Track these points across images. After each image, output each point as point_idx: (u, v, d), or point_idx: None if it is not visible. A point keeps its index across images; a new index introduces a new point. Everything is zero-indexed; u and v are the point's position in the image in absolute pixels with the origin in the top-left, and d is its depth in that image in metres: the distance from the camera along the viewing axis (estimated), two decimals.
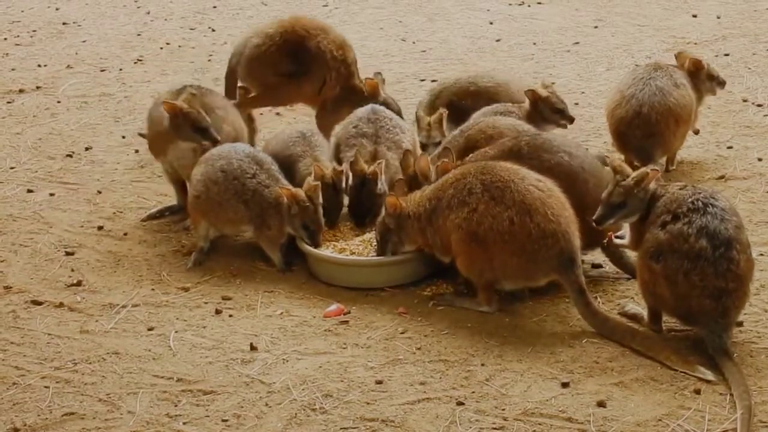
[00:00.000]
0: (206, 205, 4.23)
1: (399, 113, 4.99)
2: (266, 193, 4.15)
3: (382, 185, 4.26)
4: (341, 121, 4.79)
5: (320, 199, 4.11)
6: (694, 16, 7.35)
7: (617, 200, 3.61)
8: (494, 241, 3.66)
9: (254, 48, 5.01)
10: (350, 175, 4.28)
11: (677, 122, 4.78)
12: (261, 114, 5.93)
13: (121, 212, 4.75)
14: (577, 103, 5.76)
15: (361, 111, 4.61)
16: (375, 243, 4.09)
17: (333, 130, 4.72)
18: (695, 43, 6.73)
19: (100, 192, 4.97)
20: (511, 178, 3.71)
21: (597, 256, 4.20)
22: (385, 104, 4.97)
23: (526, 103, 4.78)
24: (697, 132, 5.25)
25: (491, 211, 3.66)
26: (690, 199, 3.51)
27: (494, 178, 3.72)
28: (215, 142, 4.34)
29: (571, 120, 4.87)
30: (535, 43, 6.95)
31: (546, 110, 4.76)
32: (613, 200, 3.61)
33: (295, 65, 4.97)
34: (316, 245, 4.08)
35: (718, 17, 7.28)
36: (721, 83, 5.09)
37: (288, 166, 4.39)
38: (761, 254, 4.12)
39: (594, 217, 3.67)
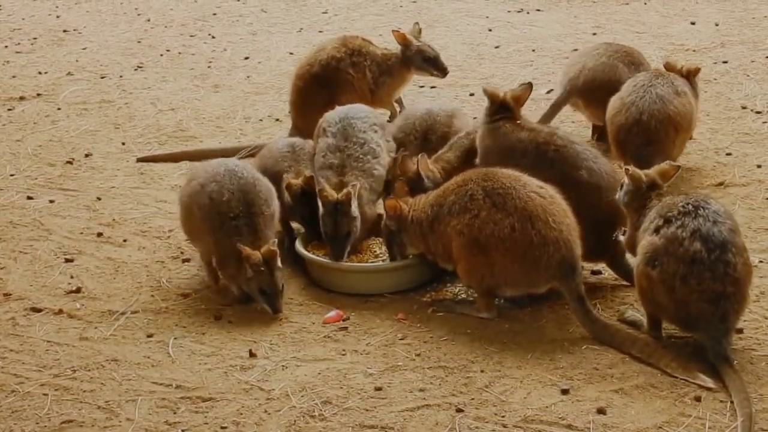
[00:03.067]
0: (189, 224, 4.11)
1: (437, 59, 5.24)
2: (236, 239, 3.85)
3: (355, 210, 4.01)
4: (396, 89, 5.28)
5: (278, 263, 3.82)
6: (693, 23, 7.37)
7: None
8: (495, 248, 3.66)
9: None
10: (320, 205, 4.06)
11: (677, 130, 4.79)
12: (266, 118, 5.96)
13: (121, 219, 4.76)
14: (576, 110, 5.77)
15: (332, 138, 4.24)
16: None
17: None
18: (694, 50, 6.75)
19: (99, 198, 4.98)
20: (513, 185, 3.71)
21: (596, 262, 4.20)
22: (420, 51, 5.25)
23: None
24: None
25: (493, 217, 3.66)
26: (681, 204, 3.54)
27: (496, 184, 3.72)
28: None
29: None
30: (534, 50, 6.96)
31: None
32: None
33: (326, 91, 5.11)
34: (276, 310, 3.82)
35: (717, 24, 7.30)
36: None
37: (277, 182, 4.33)
38: (761, 261, 4.12)
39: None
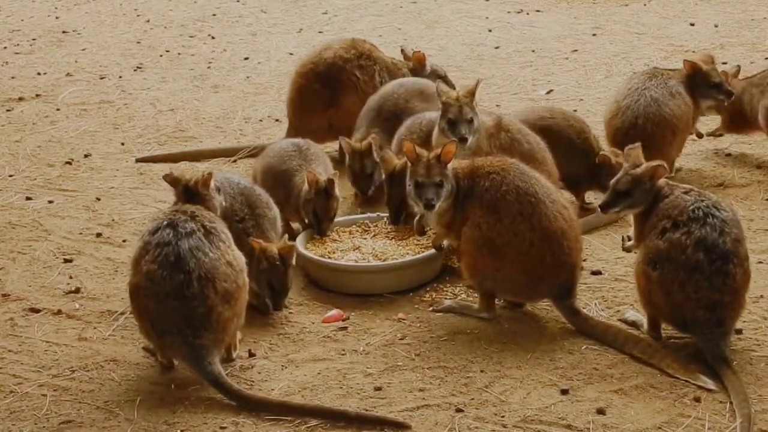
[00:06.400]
0: None
1: (446, 77, 5.24)
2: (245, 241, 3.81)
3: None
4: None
5: (293, 261, 3.85)
6: (692, 24, 7.37)
7: (623, 188, 3.62)
8: (508, 255, 3.68)
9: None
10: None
11: (673, 132, 4.80)
12: (267, 119, 5.96)
13: (120, 219, 4.75)
14: (575, 111, 5.77)
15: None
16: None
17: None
18: (693, 52, 6.74)
19: (98, 199, 4.97)
20: (544, 198, 3.70)
21: (596, 263, 4.20)
22: (434, 72, 5.26)
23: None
24: (700, 136, 5.26)
25: (516, 227, 3.66)
26: (691, 207, 3.50)
27: (530, 189, 3.70)
28: None
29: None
30: (533, 51, 6.96)
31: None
32: (620, 188, 3.63)
33: (328, 91, 5.12)
34: (278, 308, 3.82)
35: (716, 26, 7.30)
36: (726, 92, 4.95)
37: (285, 180, 4.35)
38: (760, 262, 4.12)
39: (600, 204, 3.74)
